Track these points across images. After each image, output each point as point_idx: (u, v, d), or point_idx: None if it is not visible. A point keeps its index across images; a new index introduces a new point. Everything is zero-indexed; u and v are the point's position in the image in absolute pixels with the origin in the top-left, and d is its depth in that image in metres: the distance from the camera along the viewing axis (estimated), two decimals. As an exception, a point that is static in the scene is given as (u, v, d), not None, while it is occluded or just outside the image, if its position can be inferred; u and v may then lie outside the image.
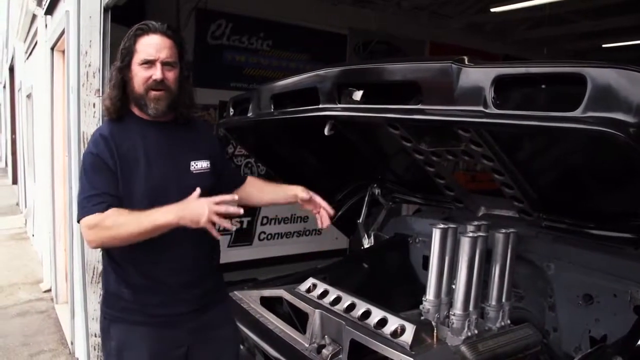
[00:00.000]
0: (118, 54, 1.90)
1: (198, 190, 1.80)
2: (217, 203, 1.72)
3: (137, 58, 1.85)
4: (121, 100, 1.89)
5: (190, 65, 2.00)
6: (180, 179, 1.93)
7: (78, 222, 1.85)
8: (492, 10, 6.73)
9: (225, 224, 1.75)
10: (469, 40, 7.43)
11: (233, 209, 1.74)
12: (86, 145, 2.09)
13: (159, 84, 1.86)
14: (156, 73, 1.84)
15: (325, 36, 6.65)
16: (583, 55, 8.66)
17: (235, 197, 1.82)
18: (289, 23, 6.30)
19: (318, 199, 2.13)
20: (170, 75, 1.88)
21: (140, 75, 1.85)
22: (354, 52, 6.95)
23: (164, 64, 1.86)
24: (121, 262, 1.92)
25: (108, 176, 1.84)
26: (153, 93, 1.86)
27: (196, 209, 1.71)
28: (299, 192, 2.14)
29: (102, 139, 1.87)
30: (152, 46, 1.84)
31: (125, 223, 1.76)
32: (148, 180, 1.88)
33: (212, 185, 2.01)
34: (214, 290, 2.09)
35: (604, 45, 8.25)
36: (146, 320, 1.91)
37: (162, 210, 1.74)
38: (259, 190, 2.27)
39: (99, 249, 3.21)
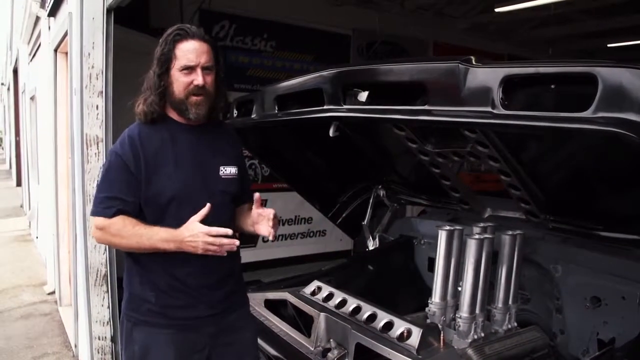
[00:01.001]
0: (154, 60, 1.89)
1: (204, 210, 1.82)
2: (212, 235, 1.78)
3: (177, 64, 1.86)
4: (158, 105, 1.90)
5: (224, 68, 2.02)
6: (209, 183, 1.94)
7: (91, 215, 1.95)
8: (497, 10, 6.72)
9: (221, 254, 1.81)
10: (473, 40, 7.42)
11: (226, 241, 1.79)
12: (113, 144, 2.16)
13: (200, 89, 1.87)
14: (198, 79, 1.86)
15: (329, 37, 6.65)
16: (589, 54, 8.63)
17: (229, 231, 1.82)
18: (293, 24, 6.30)
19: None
20: (209, 79, 1.89)
21: (181, 81, 1.87)
22: (358, 52, 6.95)
23: (204, 68, 1.87)
24: (147, 264, 1.92)
25: (126, 179, 1.85)
26: (194, 98, 1.88)
27: (191, 244, 1.80)
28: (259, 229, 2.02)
29: (129, 140, 1.89)
30: (192, 52, 1.85)
31: (127, 236, 1.83)
32: (175, 182, 1.88)
33: (238, 190, 2.02)
34: (236, 292, 2.07)
35: (609, 45, 8.22)
36: (168, 323, 1.91)
37: (165, 236, 1.82)
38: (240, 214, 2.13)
39: (104, 252, 3.28)
